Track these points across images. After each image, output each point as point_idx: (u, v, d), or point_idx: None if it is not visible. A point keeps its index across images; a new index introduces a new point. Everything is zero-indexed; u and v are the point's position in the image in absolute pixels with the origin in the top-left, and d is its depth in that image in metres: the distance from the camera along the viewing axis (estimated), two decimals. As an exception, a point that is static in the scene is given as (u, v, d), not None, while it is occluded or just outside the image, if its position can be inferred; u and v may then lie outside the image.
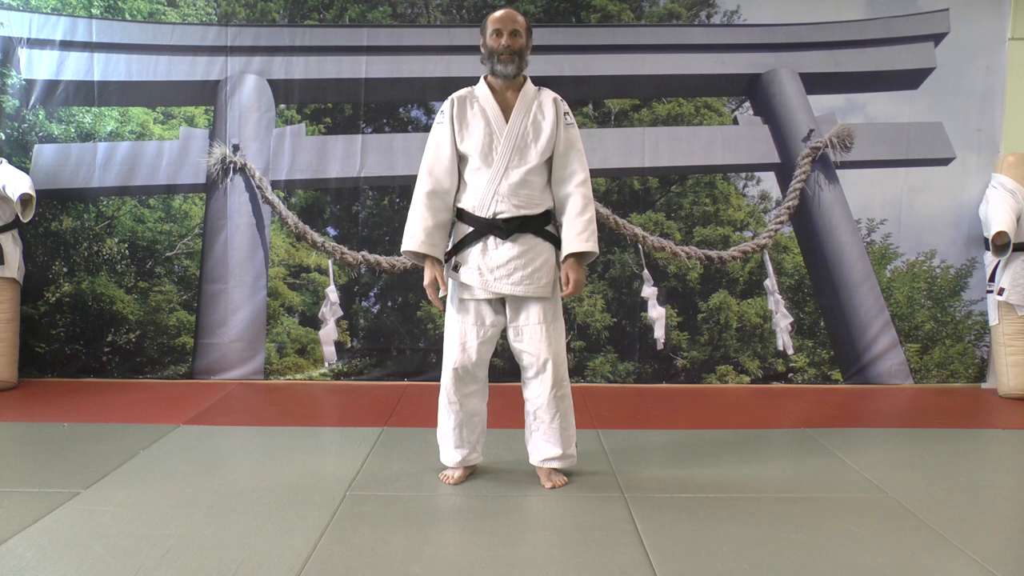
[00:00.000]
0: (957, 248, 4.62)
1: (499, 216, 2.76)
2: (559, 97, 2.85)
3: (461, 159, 2.83)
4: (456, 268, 2.83)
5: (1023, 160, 4.46)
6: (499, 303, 2.84)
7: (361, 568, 2.25)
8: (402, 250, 2.83)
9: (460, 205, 2.84)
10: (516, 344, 2.84)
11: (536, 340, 2.80)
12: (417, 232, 2.78)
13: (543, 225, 2.82)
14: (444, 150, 2.80)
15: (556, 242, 2.84)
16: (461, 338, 2.83)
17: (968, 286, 4.64)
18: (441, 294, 2.85)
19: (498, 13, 2.78)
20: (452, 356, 2.83)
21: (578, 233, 2.74)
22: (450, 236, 2.88)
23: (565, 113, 2.83)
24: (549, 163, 2.82)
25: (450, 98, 2.84)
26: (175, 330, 4.59)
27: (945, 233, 4.62)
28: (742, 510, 2.69)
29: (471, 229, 2.80)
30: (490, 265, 2.77)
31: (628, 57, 4.60)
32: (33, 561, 2.26)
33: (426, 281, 2.83)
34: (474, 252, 2.79)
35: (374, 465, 3.13)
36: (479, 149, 2.77)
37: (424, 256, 2.81)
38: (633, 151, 4.60)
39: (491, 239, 2.77)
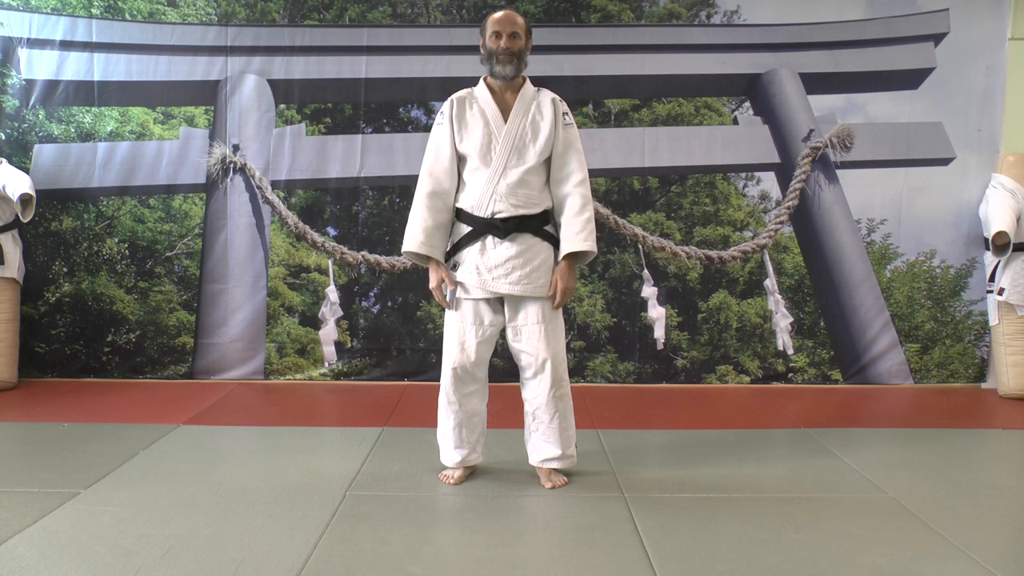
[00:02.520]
0: (957, 248, 4.62)
1: (497, 215, 2.77)
2: (558, 97, 2.86)
3: (460, 159, 2.84)
4: (455, 267, 2.83)
5: (1023, 160, 4.46)
6: (498, 303, 2.84)
7: (361, 568, 2.25)
8: (403, 251, 2.84)
9: (459, 205, 2.84)
10: (515, 344, 2.84)
11: (535, 340, 2.80)
12: (417, 233, 2.79)
13: (541, 225, 2.82)
14: (444, 151, 2.81)
15: (554, 242, 2.84)
16: (460, 338, 2.83)
17: (968, 286, 4.64)
18: (449, 289, 2.84)
19: (497, 15, 2.79)
20: (451, 356, 2.84)
21: (576, 232, 2.75)
22: (450, 236, 2.89)
23: (564, 113, 2.83)
24: (548, 163, 2.83)
25: (449, 99, 2.85)
26: (175, 330, 4.59)
27: (945, 233, 4.62)
28: (742, 510, 2.69)
29: (469, 229, 2.81)
30: (488, 265, 2.77)
31: (628, 57, 4.60)
32: (33, 561, 2.27)
33: (432, 284, 2.84)
34: (472, 251, 2.80)
35: (374, 465, 3.13)
36: (478, 149, 2.77)
37: (427, 258, 2.82)
38: (633, 151, 4.60)
39: (489, 239, 2.78)
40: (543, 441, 2.89)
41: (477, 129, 2.79)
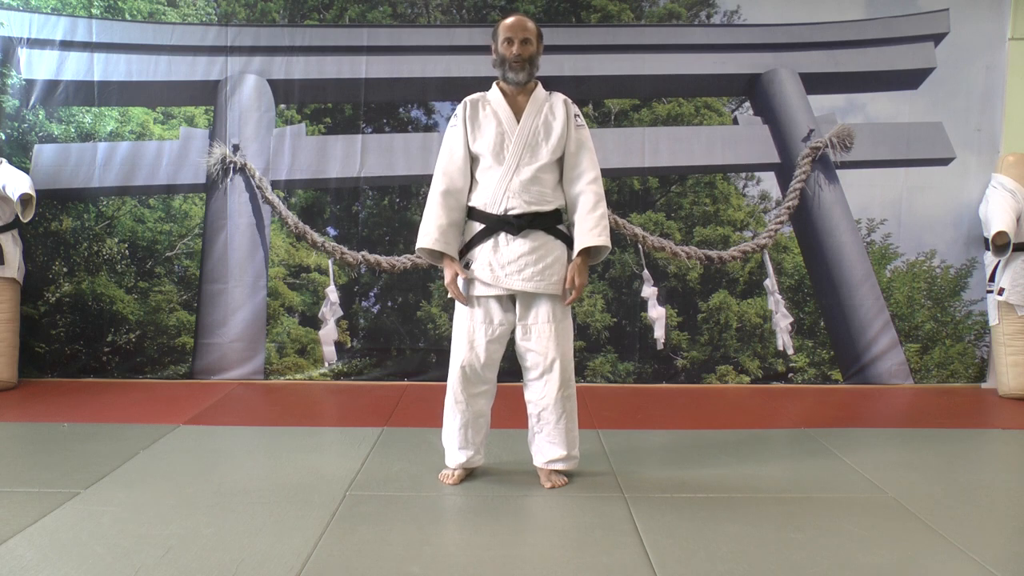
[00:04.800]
0: (957, 248, 4.62)
1: (510, 212, 2.78)
2: (569, 99, 2.89)
3: (473, 160, 2.86)
4: (467, 265, 2.84)
5: (1023, 160, 4.46)
6: (508, 301, 2.85)
7: (361, 568, 2.25)
8: (416, 248, 2.84)
9: (471, 203, 2.85)
10: (523, 343, 2.84)
11: (544, 339, 2.80)
12: (431, 230, 2.80)
13: (554, 223, 2.84)
14: (457, 151, 2.84)
15: (567, 240, 2.85)
16: (469, 336, 2.83)
17: (968, 286, 4.64)
18: (464, 282, 2.84)
19: (509, 20, 2.83)
20: (460, 354, 2.84)
21: (591, 228, 2.77)
22: (462, 235, 2.89)
23: (576, 115, 2.87)
24: (560, 162, 2.85)
25: (464, 101, 2.88)
26: (175, 330, 4.59)
27: (945, 233, 4.62)
28: (742, 510, 2.69)
29: (482, 226, 2.82)
30: (501, 261, 2.78)
31: (628, 57, 4.60)
32: (33, 561, 2.26)
33: (447, 279, 2.84)
34: (485, 248, 2.80)
35: (374, 465, 3.13)
36: (491, 148, 2.79)
37: (441, 255, 2.83)
38: (633, 151, 4.60)
39: (502, 235, 2.79)
40: (548, 442, 2.89)
41: (490, 129, 2.81)
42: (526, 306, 2.83)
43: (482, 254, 2.81)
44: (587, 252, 2.80)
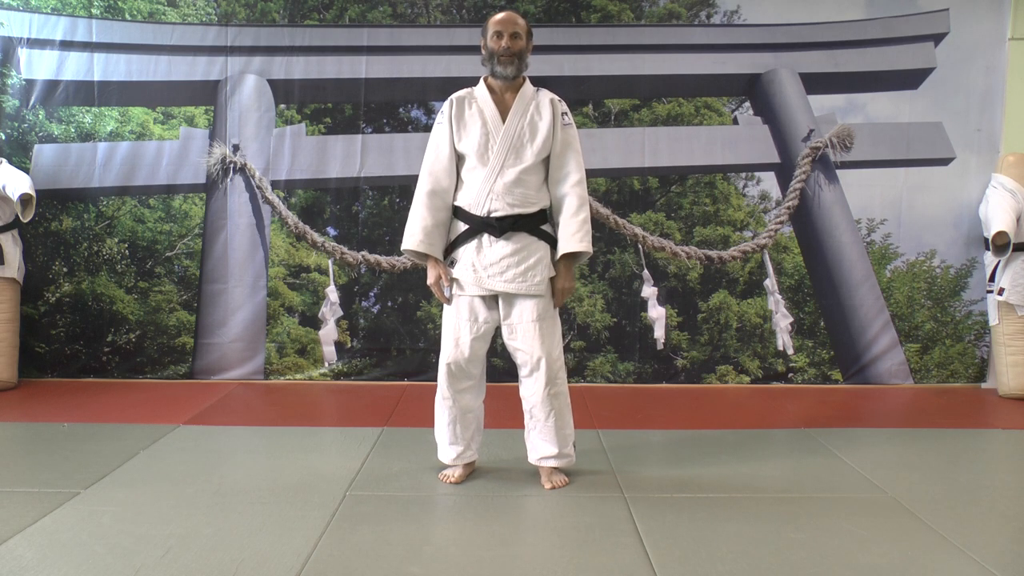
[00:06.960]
0: (957, 248, 4.62)
1: (493, 214, 2.78)
2: (557, 98, 2.88)
3: (459, 158, 2.86)
4: (452, 264, 2.85)
5: (1023, 160, 4.46)
6: (493, 300, 2.86)
7: (361, 568, 2.26)
8: (402, 249, 2.86)
9: (456, 203, 2.86)
10: (510, 342, 2.85)
11: (529, 338, 2.81)
12: (416, 231, 2.81)
13: (538, 224, 2.84)
14: (443, 150, 2.84)
15: (551, 241, 2.86)
16: (455, 334, 2.85)
17: (968, 286, 4.64)
18: (446, 285, 2.86)
19: (499, 16, 2.82)
20: (446, 352, 2.86)
21: (573, 233, 2.78)
22: (448, 234, 2.90)
23: (563, 114, 2.85)
24: (546, 163, 2.85)
25: (449, 99, 2.87)
26: (175, 330, 4.59)
27: (945, 233, 4.62)
28: (742, 510, 2.69)
29: (467, 227, 2.82)
30: (484, 263, 2.79)
31: (628, 57, 4.60)
32: (33, 561, 2.27)
33: (430, 280, 2.86)
34: (469, 249, 2.81)
35: (374, 465, 3.13)
36: (475, 148, 2.79)
37: (425, 256, 2.84)
38: (633, 151, 4.60)
39: (485, 237, 2.80)
40: (540, 439, 2.90)
41: (475, 129, 2.81)
42: (509, 306, 2.84)
43: (466, 255, 2.82)
44: (570, 255, 2.82)
